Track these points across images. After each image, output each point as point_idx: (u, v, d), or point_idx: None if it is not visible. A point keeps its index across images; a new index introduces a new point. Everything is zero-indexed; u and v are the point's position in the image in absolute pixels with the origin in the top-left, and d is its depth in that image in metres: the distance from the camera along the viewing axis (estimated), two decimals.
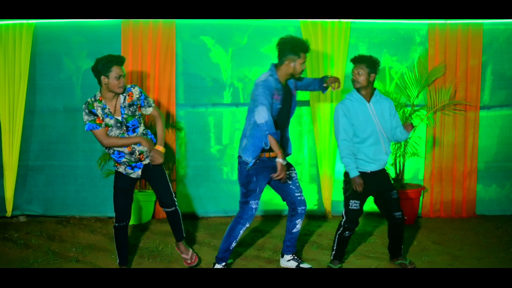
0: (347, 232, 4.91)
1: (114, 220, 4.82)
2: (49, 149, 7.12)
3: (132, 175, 4.78)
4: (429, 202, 7.05)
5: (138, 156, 4.73)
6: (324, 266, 5.09)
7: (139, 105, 4.72)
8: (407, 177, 7.09)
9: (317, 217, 7.06)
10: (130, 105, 4.65)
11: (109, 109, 4.57)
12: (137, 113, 4.71)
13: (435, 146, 7.00)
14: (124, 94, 4.62)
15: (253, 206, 4.71)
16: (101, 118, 4.55)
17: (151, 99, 4.81)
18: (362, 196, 4.83)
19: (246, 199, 4.69)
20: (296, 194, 4.82)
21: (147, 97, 4.78)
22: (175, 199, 4.99)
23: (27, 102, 6.95)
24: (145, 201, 6.69)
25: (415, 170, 7.22)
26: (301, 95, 7.18)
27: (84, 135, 7.01)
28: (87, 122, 4.54)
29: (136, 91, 4.68)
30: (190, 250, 5.14)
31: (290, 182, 4.80)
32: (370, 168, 4.79)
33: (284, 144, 4.83)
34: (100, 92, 4.60)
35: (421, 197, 6.88)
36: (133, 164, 4.76)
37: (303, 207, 4.87)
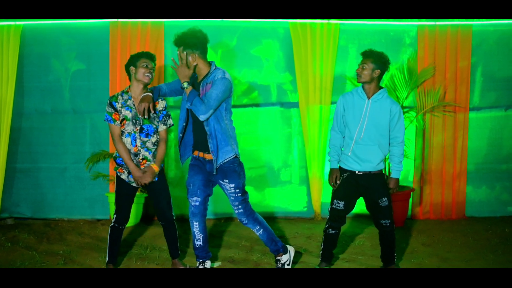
0: (330, 229, 4.88)
1: (113, 221, 4.82)
2: (37, 151, 7.09)
3: (133, 184, 4.80)
4: (418, 203, 7.05)
5: (140, 161, 4.74)
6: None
7: (159, 117, 4.80)
8: None
9: (307, 220, 7.04)
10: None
11: (133, 101, 4.67)
12: (155, 121, 4.78)
13: (425, 147, 7.00)
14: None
15: (192, 204, 4.73)
16: (119, 112, 4.65)
17: (170, 121, 4.88)
18: (347, 197, 4.78)
19: (187, 196, 4.81)
20: (232, 206, 4.70)
21: (168, 115, 4.86)
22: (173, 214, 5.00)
23: (15, 104, 6.93)
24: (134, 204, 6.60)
25: (404, 172, 7.19)
26: (290, 97, 7.17)
27: (73, 137, 7.08)
28: (106, 112, 4.69)
29: (162, 104, 4.80)
30: (187, 267, 5.09)
31: (226, 193, 4.69)
32: (355, 167, 4.72)
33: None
34: (130, 86, 4.75)
35: (410, 199, 6.86)
36: None
37: (240, 219, 4.76)
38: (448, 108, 6.94)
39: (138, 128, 4.69)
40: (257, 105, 7.11)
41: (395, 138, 4.71)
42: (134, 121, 4.67)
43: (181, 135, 4.72)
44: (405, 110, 6.82)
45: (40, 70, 7.05)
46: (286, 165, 7.26)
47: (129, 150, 4.70)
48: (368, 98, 4.67)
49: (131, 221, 6.50)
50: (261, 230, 4.78)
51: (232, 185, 4.62)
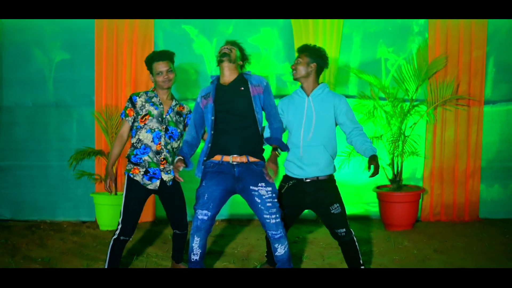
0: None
1: (118, 233, 4.22)
2: (18, 148, 6.78)
3: (149, 186, 4.30)
4: (428, 204, 6.59)
5: (161, 160, 4.32)
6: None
7: (185, 121, 4.54)
8: (405, 177, 6.61)
9: (309, 222, 6.56)
10: (178, 113, 4.44)
11: (159, 100, 4.38)
12: (180, 126, 4.45)
13: (435, 144, 6.54)
14: (176, 102, 4.48)
15: (199, 217, 4.00)
16: (138, 108, 4.33)
17: None
18: (288, 207, 4.23)
19: (194, 206, 4.07)
20: (265, 216, 4.02)
21: None
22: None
23: None
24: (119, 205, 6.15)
25: (413, 170, 6.73)
26: (291, 89, 6.74)
27: (57, 133, 6.74)
28: (124, 108, 4.42)
29: (187, 107, 4.58)
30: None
31: (259, 201, 4.04)
32: (301, 174, 4.18)
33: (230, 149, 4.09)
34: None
35: (420, 200, 6.38)
36: (152, 171, 4.29)
37: (274, 231, 4.03)
38: (461, 101, 6.46)
39: (164, 127, 4.32)
40: None
41: (356, 128, 4.15)
42: (159, 119, 4.31)
43: (209, 145, 4.13)
44: (415, 103, 6.32)
45: (20, 60, 6.69)
46: None
47: (148, 147, 4.29)
48: (308, 95, 4.19)
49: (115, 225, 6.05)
50: (287, 247, 4.15)
51: (269, 189, 4.03)
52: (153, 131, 4.29)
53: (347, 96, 6.61)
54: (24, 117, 6.71)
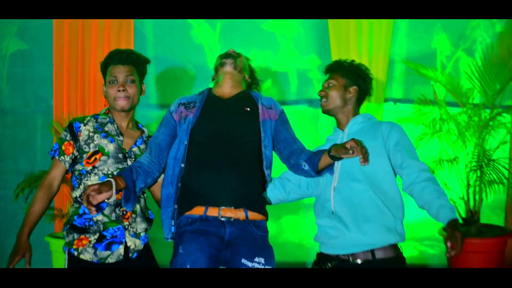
0: None
1: None
2: None
3: (109, 259, 2.81)
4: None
5: (123, 214, 2.90)
6: None
7: None
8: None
9: None
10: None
11: (117, 127, 3.03)
12: None
13: None
14: (147, 134, 3.16)
15: None
16: (82, 142, 2.95)
17: None
18: None
19: None
20: None
21: None
22: None
23: None
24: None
25: (488, 203, 5.29)
26: (318, 89, 5.51)
27: (12, 148, 5.80)
28: (56, 141, 3.06)
29: None
30: None
31: None
32: (338, 245, 2.69)
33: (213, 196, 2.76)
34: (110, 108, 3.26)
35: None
36: (110, 233, 2.86)
37: None
38: None
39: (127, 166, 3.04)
40: None
41: (421, 171, 2.60)
42: (119, 156, 2.96)
43: (179, 184, 2.85)
44: (497, 111, 4.84)
45: None
46: None
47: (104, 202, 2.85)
48: (343, 130, 2.92)
49: None
50: None
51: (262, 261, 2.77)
52: (110, 176, 2.83)
53: (391, 100, 5.50)
54: None
